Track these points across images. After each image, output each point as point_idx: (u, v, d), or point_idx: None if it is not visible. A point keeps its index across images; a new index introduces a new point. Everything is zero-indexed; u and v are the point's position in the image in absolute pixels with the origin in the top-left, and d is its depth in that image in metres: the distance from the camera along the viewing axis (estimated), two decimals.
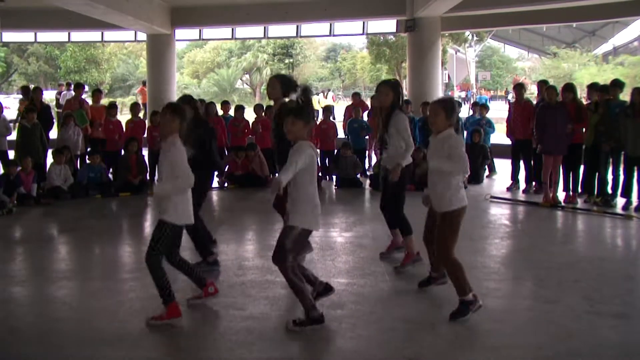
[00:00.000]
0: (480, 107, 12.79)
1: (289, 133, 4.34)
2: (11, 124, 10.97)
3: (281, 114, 5.64)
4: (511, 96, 39.10)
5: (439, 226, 4.61)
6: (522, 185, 10.44)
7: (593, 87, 9.74)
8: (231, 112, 12.47)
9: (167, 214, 4.43)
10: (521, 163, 10.51)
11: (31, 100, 11.39)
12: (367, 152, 12.40)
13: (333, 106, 19.10)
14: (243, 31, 21.22)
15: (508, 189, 10.35)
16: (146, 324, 4.42)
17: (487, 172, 11.88)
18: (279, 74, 6.64)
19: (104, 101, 14.98)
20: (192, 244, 5.83)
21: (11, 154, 10.25)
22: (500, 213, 8.75)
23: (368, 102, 13.08)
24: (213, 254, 5.86)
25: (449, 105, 4.63)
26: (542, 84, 10.28)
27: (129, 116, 11.97)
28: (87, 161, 10.73)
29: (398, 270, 5.73)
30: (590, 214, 8.53)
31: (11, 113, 17.88)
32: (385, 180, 5.94)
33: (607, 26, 36.48)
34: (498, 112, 20.58)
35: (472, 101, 15.79)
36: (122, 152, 10.83)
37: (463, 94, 36.10)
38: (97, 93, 12.33)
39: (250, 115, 12.50)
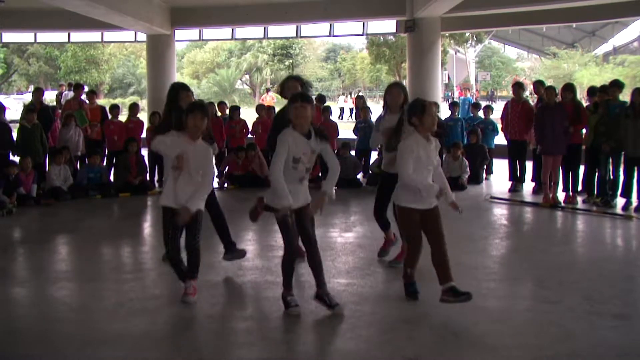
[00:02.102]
0: (485, 108, 12.71)
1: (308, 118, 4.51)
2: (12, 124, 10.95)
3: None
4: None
5: (438, 221, 4.72)
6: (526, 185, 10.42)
7: (591, 93, 9.76)
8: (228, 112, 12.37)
9: (195, 202, 4.72)
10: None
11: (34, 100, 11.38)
12: (371, 152, 12.29)
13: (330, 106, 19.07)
14: (243, 31, 21.20)
15: (510, 190, 10.27)
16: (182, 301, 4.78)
17: (484, 174, 11.84)
18: (295, 75, 6.62)
19: (104, 102, 14.97)
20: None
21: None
22: (500, 213, 8.75)
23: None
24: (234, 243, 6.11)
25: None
26: (539, 84, 10.27)
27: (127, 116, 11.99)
28: (87, 162, 10.75)
29: (391, 265, 5.80)
30: (590, 214, 8.53)
31: (11, 114, 17.86)
32: (381, 182, 5.94)
33: (607, 26, 36.47)
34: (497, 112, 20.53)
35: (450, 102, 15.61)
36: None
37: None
38: (90, 94, 12.29)
39: (249, 116, 12.47)
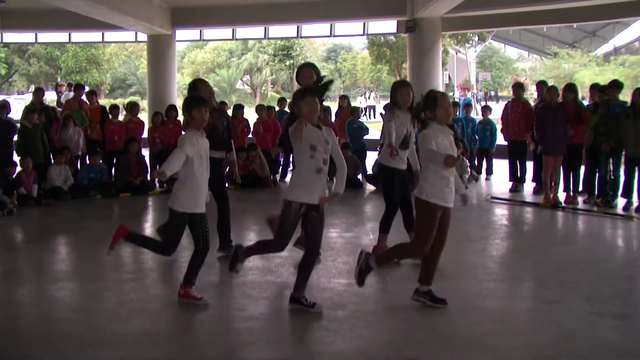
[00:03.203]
0: (483, 109, 12.69)
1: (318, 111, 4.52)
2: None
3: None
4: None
5: (449, 222, 4.62)
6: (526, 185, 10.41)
7: (595, 88, 9.75)
8: (228, 112, 12.32)
9: None
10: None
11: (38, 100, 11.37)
12: (367, 151, 12.30)
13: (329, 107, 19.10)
14: (243, 32, 21.22)
15: (510, 190, 10.26)
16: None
17: (485, 175, 11.83)
18: (311, 63, 6.66)
19: (105, 102, 14.97)
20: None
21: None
22: (500, 213, 8.75)
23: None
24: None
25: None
26: (542, 85, 10.27)
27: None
28: (87, 162, 10.75)
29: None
30: (590, 214, 8.53)
31: (11, 114, 17.82)
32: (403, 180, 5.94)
33: (607, 27, 36.46)
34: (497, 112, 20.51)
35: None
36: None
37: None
38: (90, 94, 12.27)
39: (249, 116, 12.45)
